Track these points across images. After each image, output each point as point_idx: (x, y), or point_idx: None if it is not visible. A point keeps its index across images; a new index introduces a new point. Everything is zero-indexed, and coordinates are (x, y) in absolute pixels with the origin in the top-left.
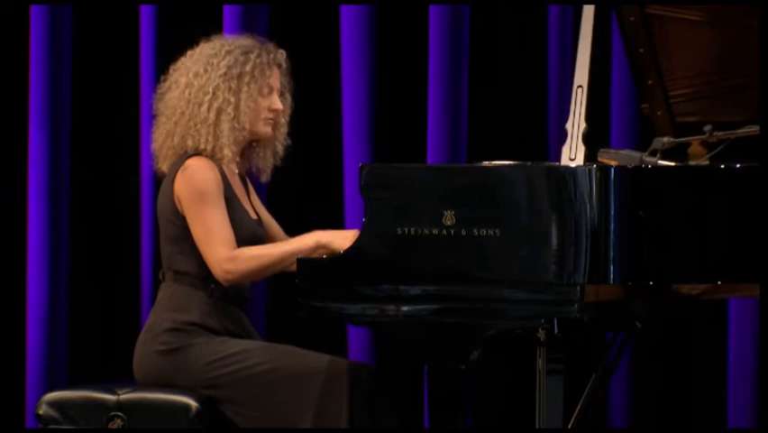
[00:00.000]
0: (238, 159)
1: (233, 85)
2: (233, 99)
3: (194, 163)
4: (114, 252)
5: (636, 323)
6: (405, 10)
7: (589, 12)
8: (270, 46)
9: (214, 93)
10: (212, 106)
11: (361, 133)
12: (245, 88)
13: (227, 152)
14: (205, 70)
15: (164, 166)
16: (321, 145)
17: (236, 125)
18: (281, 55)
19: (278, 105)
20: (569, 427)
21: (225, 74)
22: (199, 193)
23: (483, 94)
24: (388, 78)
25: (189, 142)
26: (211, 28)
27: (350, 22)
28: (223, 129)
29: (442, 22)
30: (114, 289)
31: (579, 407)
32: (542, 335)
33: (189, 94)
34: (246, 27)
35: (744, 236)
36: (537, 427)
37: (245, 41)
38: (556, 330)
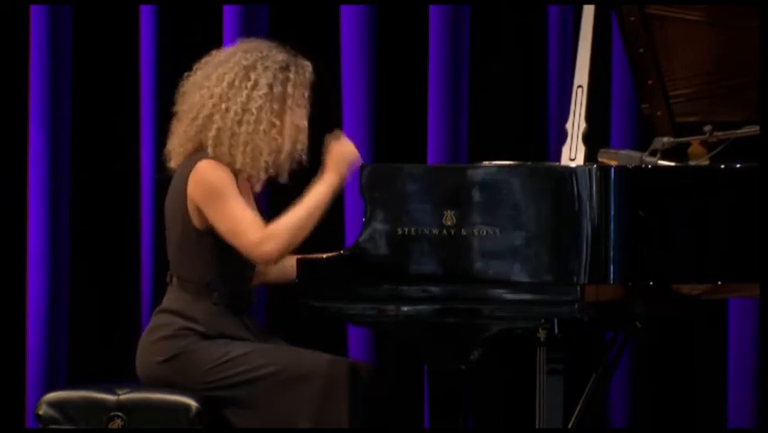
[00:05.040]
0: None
1: (276, 107)
2: (277, 123)
3: (204, 165)
4: (115, 252)
5: (636, 323)
6: (405, 10)
7: (589, 12)
8: (301, 60)
9: (257, 114)
10: (257, 129)
11: (361, 133)
12: (289, 113)
13: (263, 175)
14: (241, 81)
15: (174, 165)
16: (321, 145)
17: (275, 148)
18: (310, 72)
19: (305, 124)
20: (569, 427)
21: (267, 94)
22: (216, 191)
23: (483, 94)
24: (388, 78)
25: (214, 151)
26: (211, 28)
27: (350, 22)
28: (263, 150)
29: (442, 22)
30: (115, 289)
31: (579, 407)
32: (542, 335)
33: (216, 99)
34: (246, 27)
35: (744, 236)
36: (537, 427)
37: (278, 54)
38: (556, 330)
